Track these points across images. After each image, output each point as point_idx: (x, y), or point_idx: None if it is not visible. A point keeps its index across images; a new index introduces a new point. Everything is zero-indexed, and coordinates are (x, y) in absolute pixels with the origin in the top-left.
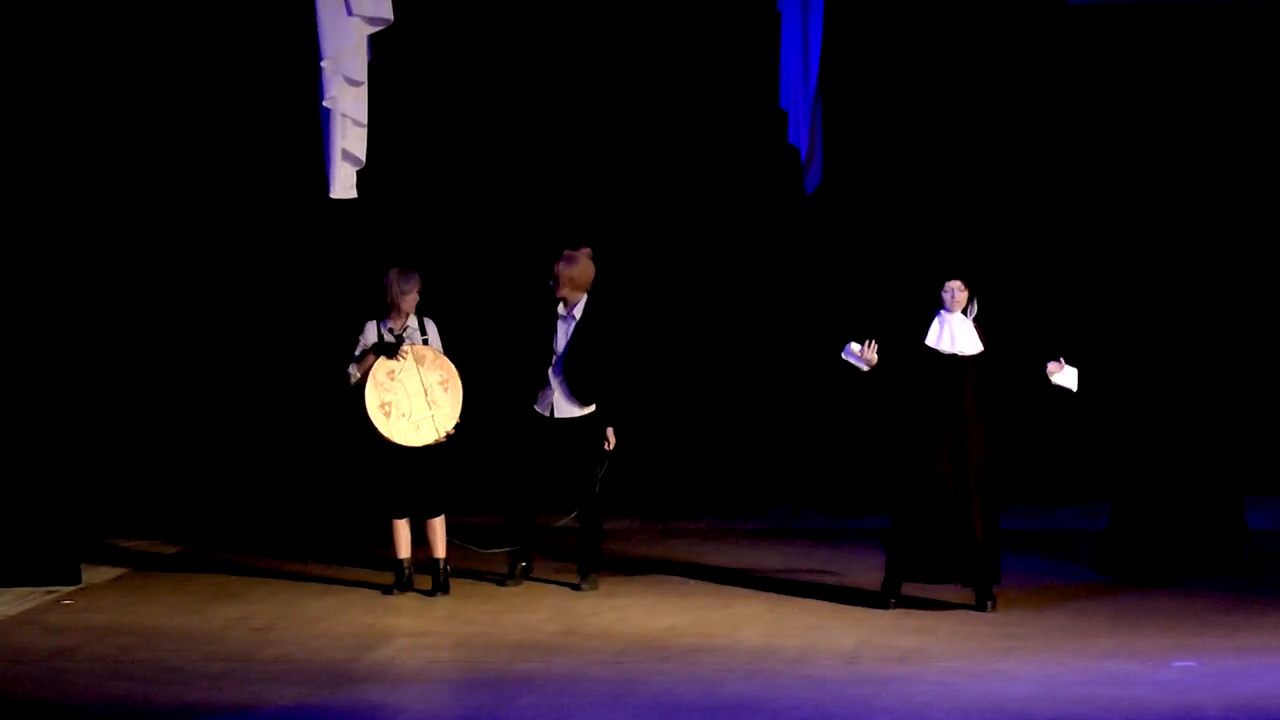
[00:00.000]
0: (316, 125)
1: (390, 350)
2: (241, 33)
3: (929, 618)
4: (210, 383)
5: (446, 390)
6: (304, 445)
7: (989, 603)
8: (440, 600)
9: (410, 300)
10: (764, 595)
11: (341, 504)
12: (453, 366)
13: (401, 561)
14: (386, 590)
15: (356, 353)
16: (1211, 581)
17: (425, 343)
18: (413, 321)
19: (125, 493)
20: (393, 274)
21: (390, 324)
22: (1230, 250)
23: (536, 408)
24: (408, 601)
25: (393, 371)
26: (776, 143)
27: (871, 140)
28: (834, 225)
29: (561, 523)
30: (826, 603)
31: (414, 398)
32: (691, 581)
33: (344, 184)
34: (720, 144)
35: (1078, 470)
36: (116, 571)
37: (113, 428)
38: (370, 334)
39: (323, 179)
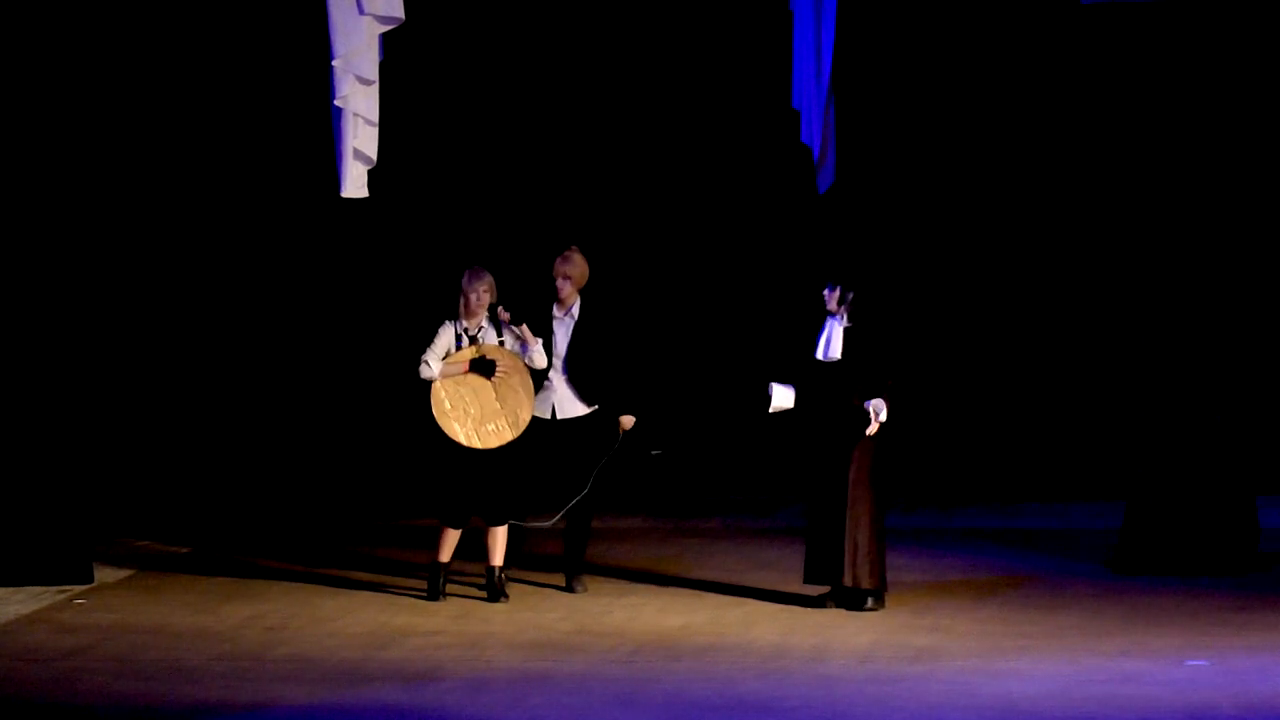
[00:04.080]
0: (328, 124)
1: (487, 371)
2: (253, 32)
3: (943, 616)
4: (221, 382)
5: (514, 385)
6: (319, 445)
7: (869, 600)
8: (454, 600)
9: (483, 299)
10: (777, 594)
11: (356, 503)
12: (517, 359)
13: (440, 565)
14: (430, 596)
15: (435, 352)
16: (1224, 580)
17: (501, 343)
18: (486, 321)
19: (138, 494)
20: (465, 275)
21: (465, 324)
22: (1244, 249)
23: (534, 412)
24: (420, 601)
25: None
26: (789, 142)
27: (884, 140)
28: (846, 225)
29: (547, 523)
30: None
31: (483, 397)
32: (704, 582)
33: (355, 183)
34: (733, 144)
35: (1091, 469)
36: (128, 571)
37: (124, 429)
38: (447, 335)
39: (334, 178)
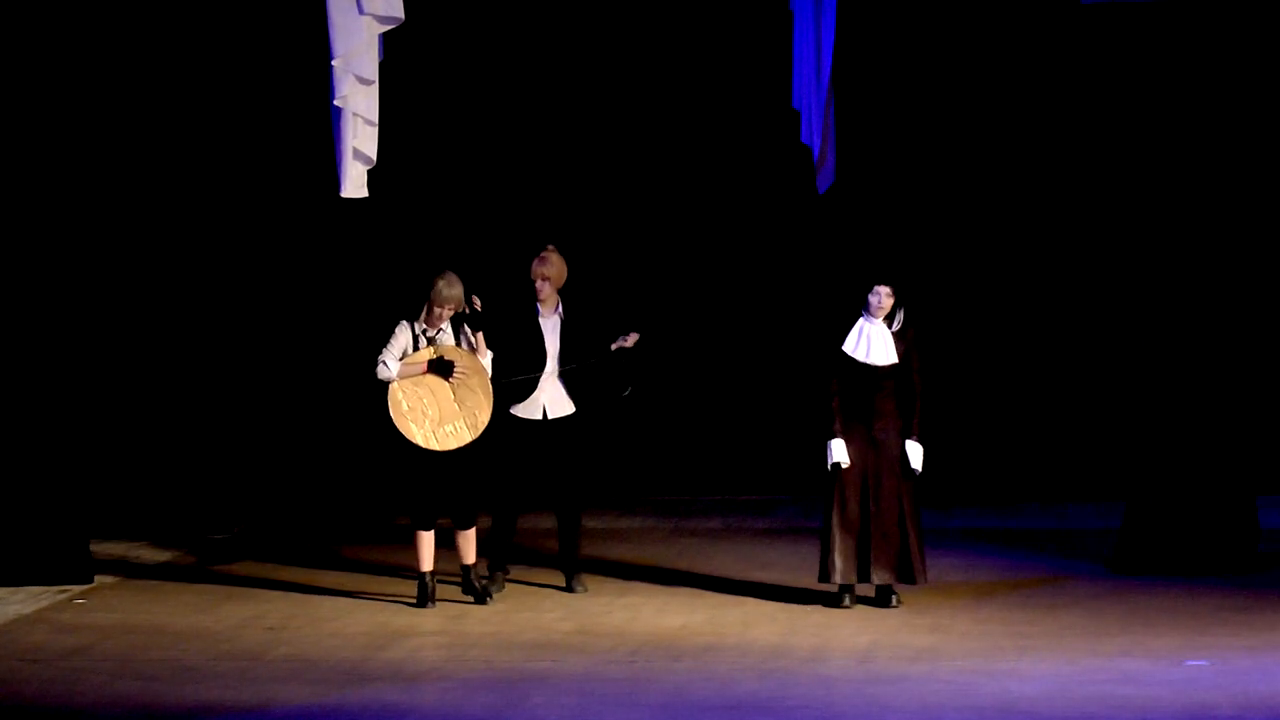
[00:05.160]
0: (327, 124)
1: (445, 371)
2: (252, 32)
3: (943, 616)
4: (221, 382)
5: (473, 387)
6: (319, 444)
7: (894, 597)
8: (453, 600)
9: (450, 304)
10: (776, 594)
11: (354, 504)
12: (475, 360)
13: (424, 575)
14: (420, 604)
15: (393, 352)
16: (1224, 580)
17: (459, 344)
18: (447, 326)
19: (137, 495)
20: (438, 280)
21: (425, 325)
22: (1245, 249)
23: (521, 413)
24: None
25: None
26: (789, 142)
27: (884, 140)
28: (846, 225)
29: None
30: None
31: (440, 398)
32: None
33: (355, 183)
34: (733, 144)
35: (1091, 469)
36: (127, 571)
37: (124, 429)
38: (404, 335)
39: (334, 178)
